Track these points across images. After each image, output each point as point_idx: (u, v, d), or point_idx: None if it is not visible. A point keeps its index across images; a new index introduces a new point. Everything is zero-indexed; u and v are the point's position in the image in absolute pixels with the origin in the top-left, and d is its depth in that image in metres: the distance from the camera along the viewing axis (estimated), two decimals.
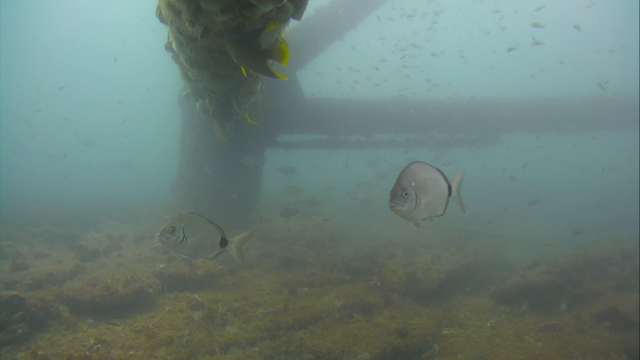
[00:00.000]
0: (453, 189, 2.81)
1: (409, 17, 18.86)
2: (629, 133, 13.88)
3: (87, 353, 4.60)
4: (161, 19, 4.74)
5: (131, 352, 4.80)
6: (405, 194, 2.67)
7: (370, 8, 13.26)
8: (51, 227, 11.06)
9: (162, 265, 7.32)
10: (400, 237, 11.49)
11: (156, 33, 7.67)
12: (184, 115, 11.85)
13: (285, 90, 10.59)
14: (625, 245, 8.93)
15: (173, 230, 3.23)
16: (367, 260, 8.44)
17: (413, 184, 2.68)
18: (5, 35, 32.43)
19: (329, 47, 12.42)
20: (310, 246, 9.58)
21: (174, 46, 4.82)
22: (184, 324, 5.54)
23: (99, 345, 4.84)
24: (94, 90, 44.23)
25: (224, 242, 3.33)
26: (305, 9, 3.88)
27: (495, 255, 10.29)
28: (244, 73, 3.88)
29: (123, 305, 6.02)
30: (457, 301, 7.35)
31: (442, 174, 2.80)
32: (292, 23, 4.29)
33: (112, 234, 10.32)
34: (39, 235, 10.16)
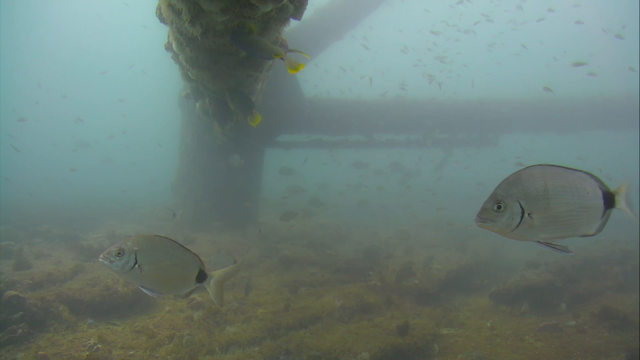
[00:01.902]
0: (620, 198, 2.09)
1: (433, 33, 18.94)
2: (630, 133, 13.88)
3: (87, 353, 4.60)
4: (161, 19, 4.74)
5: (131, 352, 4.80)
6: (499, 206, 2.06)
7: (370, 8, 13.27)
8: (51, 226, 11.06)
9: None
10: (400, 237, 11.49)
11: (155, 32, 7.65)
12: (184, 116, 11.86)
13: (285, 90, 10.61)
14: (625, 245, 8.93)
15: (120, 254, 2.59)
16: (367, 260, 8.44)
17: (518, 193, 2.06)
18: (4, 34, 32.43)
19: (329, 47, 12.45)
20: (310, 246, 9.59)
21: (174, 46, 4.83)
22: (184, 324, 5.54)
23: (99, 345, 4.83)
24: (93, 90, 44.24)
25: (201, 277, 2.66)
26: (305, 9, 3.89)
27: (495, 255, 10.29)
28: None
29: (123, 305, 6.02)
30: (457, 301, 7.35)
31: (593, 178, 2.09)
32: (292, 23, 4.29)
33: (113, 234, 10.32)
34: (39, 235, 10.16)
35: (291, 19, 3.97)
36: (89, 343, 4.87)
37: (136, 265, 2.56)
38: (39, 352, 4.54)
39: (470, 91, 13.60)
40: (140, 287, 2.65)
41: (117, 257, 2.57)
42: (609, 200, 2.08)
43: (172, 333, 5.22)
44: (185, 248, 2.65)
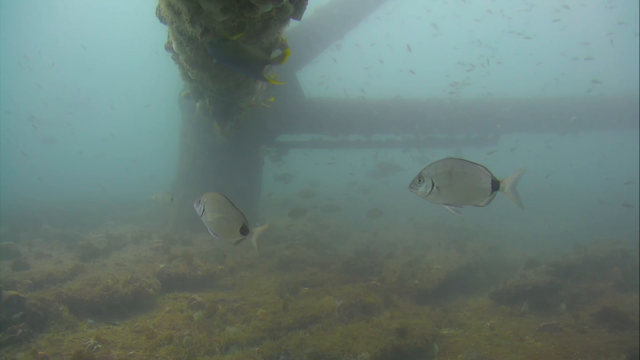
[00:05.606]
0: (504, 185, 2.96)
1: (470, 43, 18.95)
2: (629, 133, 13.88)
3: (88, 353, 4.60)
4: (161, 19, 4.74)
5: (131, 352, 4.80)
6: (420, 180, 3.05)
7: (370, 8, 13.25)
8: (51, 227, 11.06)
9: (162, 265, 7.32)
10: (400, 237, 11.49)
11: (155, 32, 7.63)
12: (184, 116, 11.85)
13: (286, 90, 10.60)
14: (625, 245, 8.92)
15: (199, 202, 3.46)
16: (367, 260, 8.44)
17: (432, 173, 3.02)
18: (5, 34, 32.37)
19: (329, 47, 12.44)
20: (310, 246, 9.58)
21: (174, 46, 4.83)
22: (184, 324, 5.54)
23: (99, 345, 4.83)
24: (91, 90, 44.05)
25: (244, 231, 3.39)
26: (305, 9, 3.88)
27: (495, 254, 10.29)
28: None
29: (123, 305, 6.02)
30: (457, 301, 7.35)
31: (487, 170, 2.98)
32: (292, 23, 4.28)
33: (112, 234, 10.32)
34: (39, 235, 10.16)
35: (291, 19, 3.96)
36: (89, 343, 4.87)
37: (204, 213, 3.42)
38: (39, 352, 4.54)
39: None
40: (209, 231, 3.47)
41: (197, 205, 3.43)
42: (496, 185, 2.96)
43: (172, 333, 5.22)
44: (234, 206, 3.39)
